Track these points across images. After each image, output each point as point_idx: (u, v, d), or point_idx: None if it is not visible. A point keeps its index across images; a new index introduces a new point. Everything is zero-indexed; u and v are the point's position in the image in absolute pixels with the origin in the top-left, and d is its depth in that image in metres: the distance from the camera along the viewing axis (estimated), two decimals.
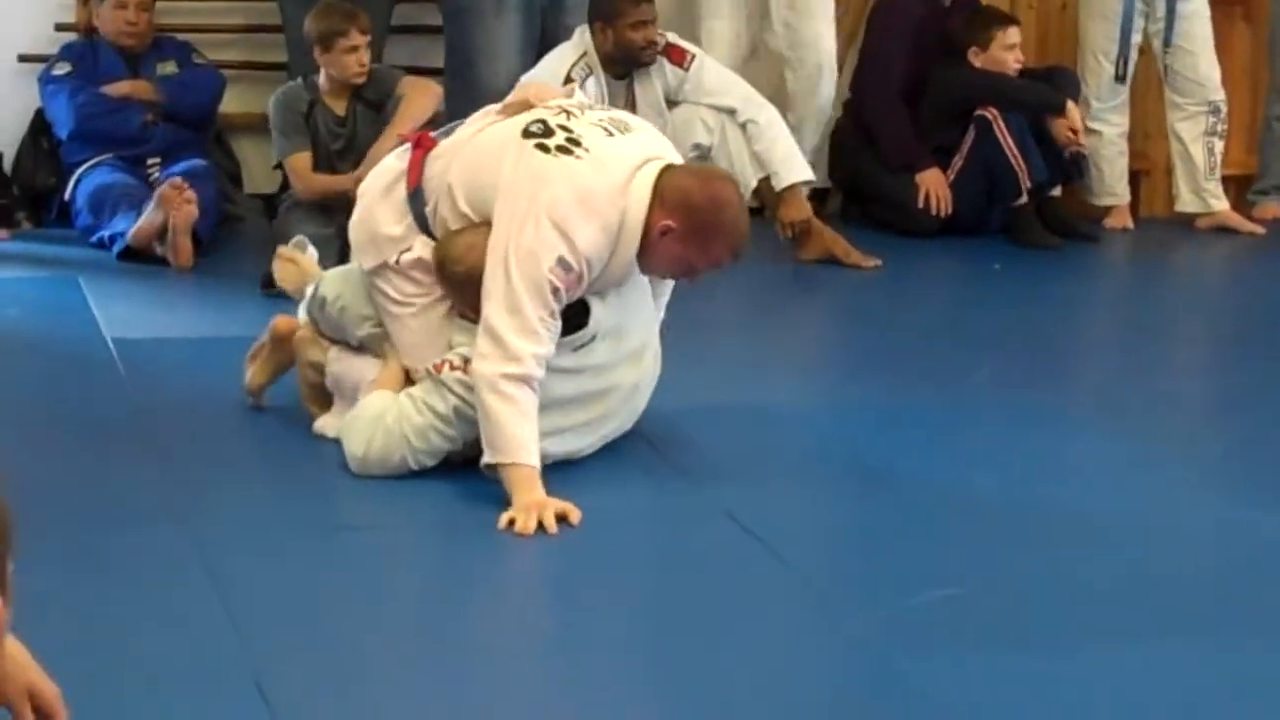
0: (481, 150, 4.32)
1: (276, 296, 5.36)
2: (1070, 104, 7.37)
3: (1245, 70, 8.17)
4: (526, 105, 4.36)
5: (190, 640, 3.39)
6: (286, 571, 3.79)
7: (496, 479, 4.06)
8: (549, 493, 4.02)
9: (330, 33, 6.37)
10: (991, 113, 7.26)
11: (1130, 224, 7.82)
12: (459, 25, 6.86)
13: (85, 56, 7.01)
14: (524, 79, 6.38)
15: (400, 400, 4.27)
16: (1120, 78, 7.67)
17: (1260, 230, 7.79)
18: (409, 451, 4.23)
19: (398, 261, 4.39)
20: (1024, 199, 7.30)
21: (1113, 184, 7.81)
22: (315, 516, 4.16)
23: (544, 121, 4.27)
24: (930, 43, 7.48)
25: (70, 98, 6.88)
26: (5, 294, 6.04)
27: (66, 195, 6.88)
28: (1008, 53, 7.40)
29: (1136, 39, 7.67)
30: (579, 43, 6.74)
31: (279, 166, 6.66)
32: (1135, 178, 7.97)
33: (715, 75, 6.85)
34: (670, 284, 4.60)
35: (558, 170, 4.16)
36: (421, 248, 4.37)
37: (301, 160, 6.46)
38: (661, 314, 4.62)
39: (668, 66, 6.81)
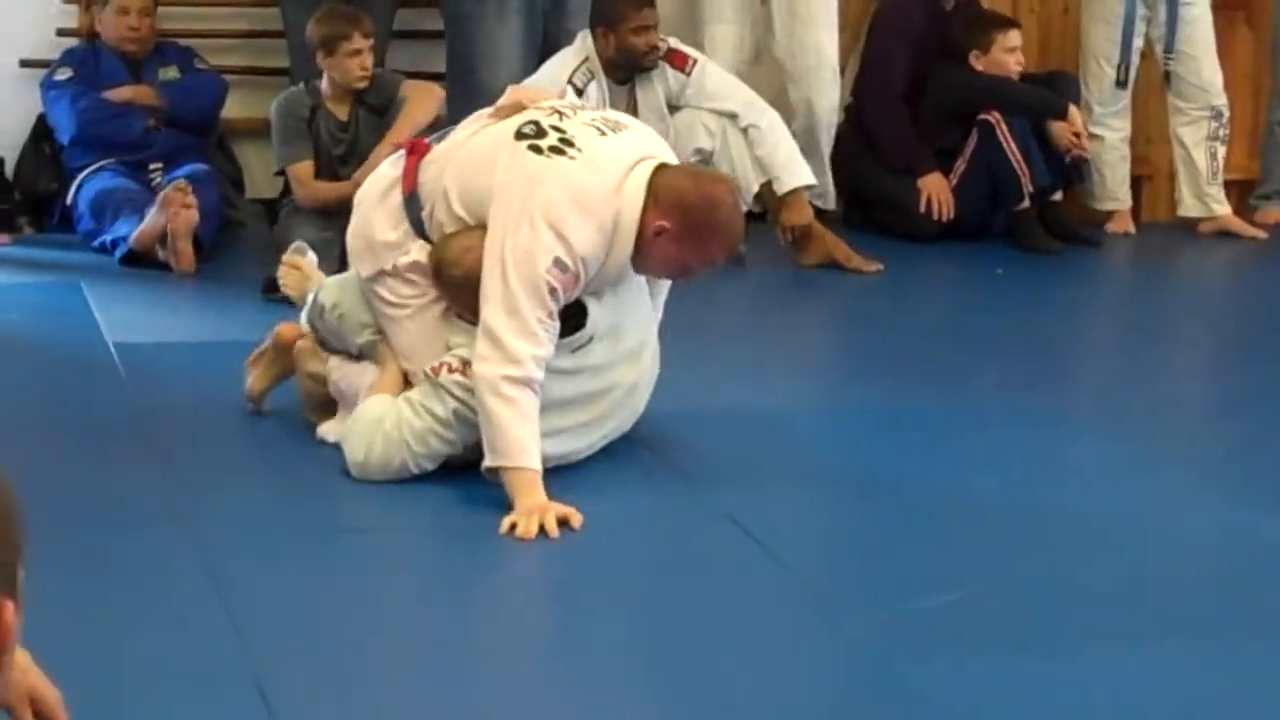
0: (475, 154, 4.32)
1: (277, 301, 5.37)
2: (1072, 108, 7.38)
3: (1247, 75, 8.17)
4: (519, 108, 4.37)
5: (191, 643, 3.39)
6: (287, 574, 3.79)
7: (498, 482, 4.06)
8: (550, 496, 4.02)
9: (333, 36, 6.37)
10: (994, 116, 7.27)
11: (1132, 229, 7.81)
12: (461, 30, 6.86)
13: (87, 62, 7.02)
14: (525, 84, 6.39)
15: (399, 404, 4.27)
16: (1122, 82, 7.67)
17: (1262, 235, 7.79)
18: (409, 455, 4.23)
19: (394, 267, 4.40)
20: (1026, 203, 7.31)
21: (1114, 189, 7.81)
22: (316, 519, 4.16)
23: (537, 123, 4.27)
24: (931, 46, 7.49)
25: (72, 103, 6.88)
26: (7, 299, 6.05)
27: (68, 200, 6.88)
28: (1009, 55, 7.40)
29: (1138, 43, 7.67)
30: (581, 48, 6.75)
31: (281, 172, 6.66)
32: (1137, 182, 7.98)
33: (717, 80, 6.86)
34: (667, 283, 4.60)
35: (551, 171, 4.16)
36: (418, 252, 4.37)
37: (303, 168, 6.47)
38: (659, 314, 4.62)
39: (669, 71, 6.82)
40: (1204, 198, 7.80)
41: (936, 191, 7.36)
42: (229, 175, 7.24)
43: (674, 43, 6.87)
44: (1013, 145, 7.23)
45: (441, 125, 5.54)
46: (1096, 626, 3.57)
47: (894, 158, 7.46)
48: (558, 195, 4.13)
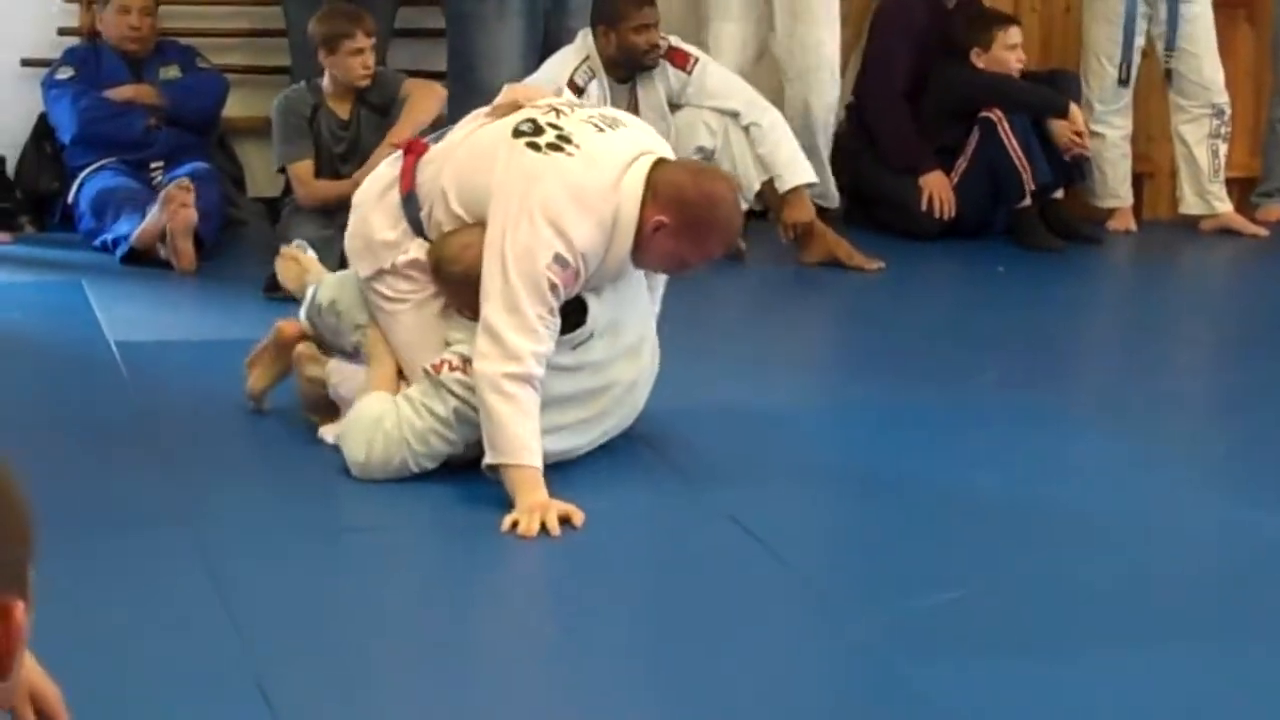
0: (473, 152, 4.32)
1: (279, 300, 5.37)
2: (1073, 106, 7.37)
3: (1248, 72, 8.16)
4: (515, 106, 4.37)
5: (192, 642, 3.39)
6: (289, 574, 3.79)
7: (498, 480, 4.06)
8: (551, 494, 4.02)
9: (335, 35, 6.37)
10: (996, 114, 7.26)
11: (1133, 226, 7.81)
12: (462, 29, 6.86)
13: (88, 61, 7.02)
14: (526, 82, 6.39)
15: (399, 403, 4.27)
16: (1123, 80, 7.67)
17: (1264, 232, 7.79)
18: (409, 454, 4.22)
19: (393, 265, 4.40)
20: (1027, 201, 7.30)
21: (1116, 186, 7.81)
22: (317, 519, 4.17)
23: (534, 120, 4.27)
24: (933, 44, 7.48)
25: (73, 102, 6.88)
26: (9, 298, 6.05)
27: (69, 199, 6.88)
28: (1009, 53, 7.40)
29: (1140, 41, 7.67)
30: (582, 46, 6.75)
31: (282, 171, 6.66)
32: (1139, 180, 7.97)
33: (718, 78, 6.86)
34: (664, 277, 4.60)
35: (550, 168, 4.16)
36: (417, 250, 4.38)
37: (304, 167, 6.47)
38: (657, 307, 4.62)
39: (670, 70, 6.82)
40: (1205, 195, 7.79)
41: (938, 189, 7.36)
42: (230, 174, 7.24)
43: (675, 41, 6.87)
44: (1014, 143, 7.23)
45: (443, 124, 5.54)
46: (1098, 626, 3.57)
47: (895, 156, 7.45)
48: (557, 192, 4.13)
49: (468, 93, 6.36)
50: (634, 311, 4.43)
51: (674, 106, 6.85)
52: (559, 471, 4.17)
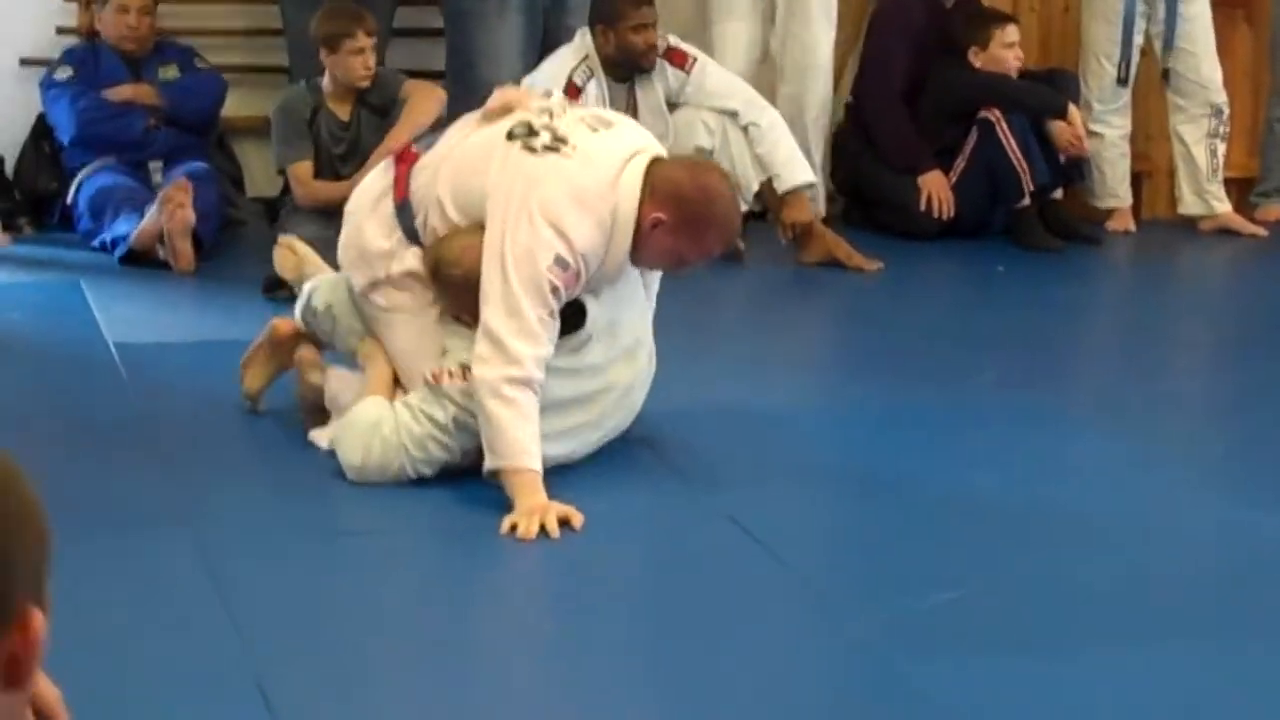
0: (467, 157, 4.31)
1: (279, 300, 5.37)
2: (1072, 107, 7.37)
3: (1247, 72, 8.16)
4: (506, 110, 4.36)
5: (192, 643, 3.39)
6: (288, 575, 3.79)
7: (498, 484, 4.06)
8: (551, 496, 4.02)
9: (337, 34, 6.37)
10: (995, 114, 7.26)
11: (1132, 226, 7.81)
12: (461, 28, 6.86)
13: (87, 60, 7.01)
14: (525, 81, 6.40)
15: (397, 409, 4.25)
16: (1122, 80, 7.67)
17: (1262, 232, 7.79)
18: (407, 461, 4.22)
19: (388, 275, 4.39)
20: (1026, 201, 7.30)
21: (1115, 186, 7.80)
22: (317, 520, 4.16)
23: (527, 123, 4.27)
24: (931, 44, 7.48)
25: (72, 102, 6.88)
26: (7, 298, 6.05)
27: (68, 199, 6.88)
28: (1007, 51, 7.40)
29: (1138, 41, 7.67)
30: (580, 45, 6.75)
31: (281, 171, 6.66)
32: (1137, 180, 7.97)
33: (717, 78, 6.86)
34: (658, 274, 4.59)
35: (547, 169, 4.16)
36: (413, 259, 4.37)
37: (303, 168, 6.46)
38: (652, 303, 4.61)
39: (669, 69, 6.82)
40: (1204, 195, 7.79)
41: (936, 189, 7.36)
42: (229, 174, 7.23)
43: (674, 41, 6.87)
44: (1013, 143, 7.23)
45: (443, 125, 5.54)
46: (1097, 625, 3.57)
47: (894, 156, 7.46)
48: (556, 193, 4.13)
49: (467, 92, 6.36)
50: (631, 311, 4.43)
51: (672, 106, 6.85)
52: (558, 474, 4.17)
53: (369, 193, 4.50)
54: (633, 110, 6.74)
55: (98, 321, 5.71)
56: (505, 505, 3.99)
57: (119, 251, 6.51)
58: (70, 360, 5.38)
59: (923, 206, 7.35)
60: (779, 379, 5.39)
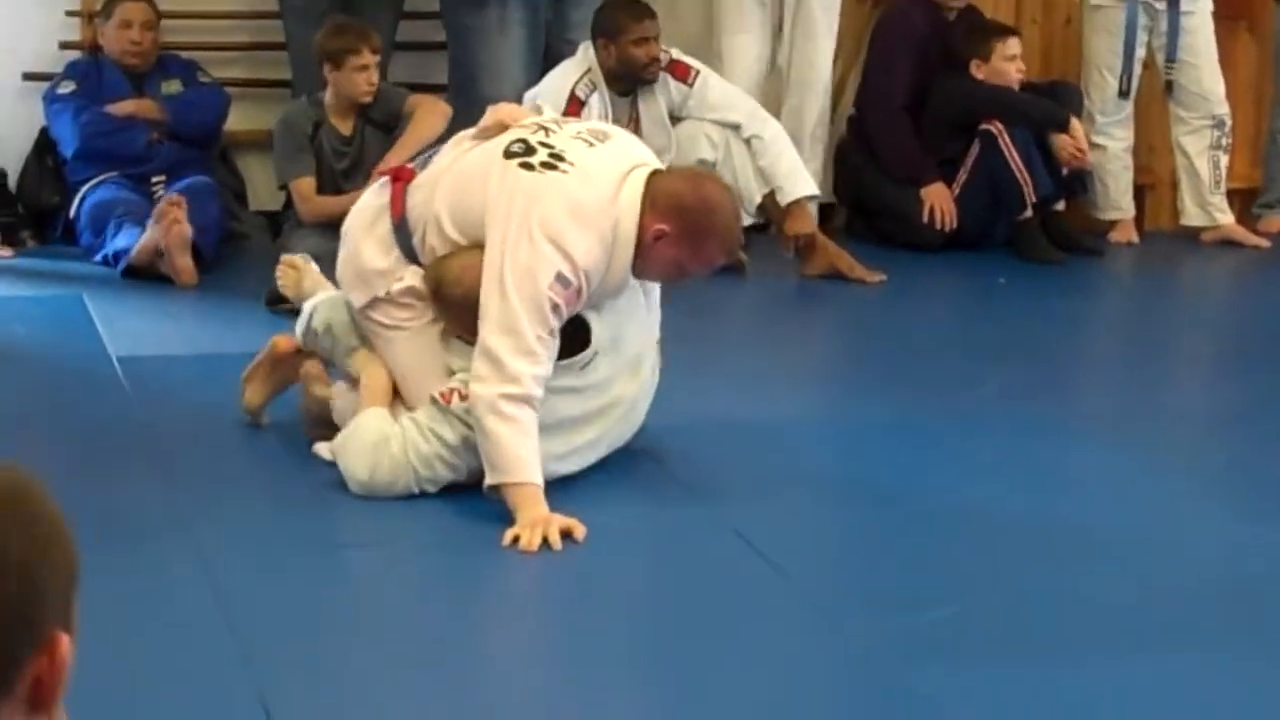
0: (465, 175, 4.31)
1: (282, 314, 5.37)
2: (1074, 121, 7.37)
3: (1250, 84, 8.16)
4: (502, 128, 4.36)
5: (194, 656, 3.39)
6: (290, 587, 3.79)
7: (499, 500, 4.05)
8: (553, 509, 4.01)
9: (342, 50, 6.36)
10: (997, 126, 7.26)
11: (1135, 238, 7.80)
12: (463, 42, 6.87)
13: (90, 75, 7.02)
14: (528, 95, 6.41)
15: (405, 426, 4.24)
16: (1124, 92, 7.66)
17: (1265, 244, 7.78)
18: (414, 479, 4.21)
19: (388, 293, 4.38)
20: (1029, 213, 7.30)
21: (1117, 198, 7.80)
22: (319, 533, 4.16)
23: (524, 141, 4.26)
24: (934, 56, 7.49)
25: (75, 116, 6.88)
26: (11, 312, 6.05)
27: (71, 213, 6.88)
28: (1009, 63, 7.40)
29: (1140, 53, 7.67)
30: (583, 59, 6.75)
31: (284, 186, 6.67)
32: (1140, 192, 7.97)
33: (719, 91, 6.86)
34: (657, 290, 4.58)
35: (546, 186, 4.15)
36: (412, 277, 4.36)
37: (305, 184, 6.46)
38: (656, 314, 4.59)
39: (671, 82, 6.83)
40: (1207, 207, 7.79)
41: (939, 201, 7.36)
42: (232, 188, 7.23)
43: (676, 54, 6.87)
44: (1015, 155, 7.23)
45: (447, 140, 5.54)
46: (1100, 637, 3.57)
47: (896, 167, 7.46)
48: (556, 210, 4.12)
49: (469, 106, 6.36)
50: (633, 325, 4.42)
51: (675, 119, 6.86)
52: (560, 485, 4.17)
53: (364, 212, 4.51)
54: (635, 123, 6.75)
55: (100, 335, 5.71)
56: (507, 518, 3.99)
57: (121, 265, 6.51)
58: (73, 373, 5.38)
59: (925, 218, 7.35)
60: (781, 391, 5.39)
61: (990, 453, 4.79)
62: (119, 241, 6.56)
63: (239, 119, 7.25)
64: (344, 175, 6.46)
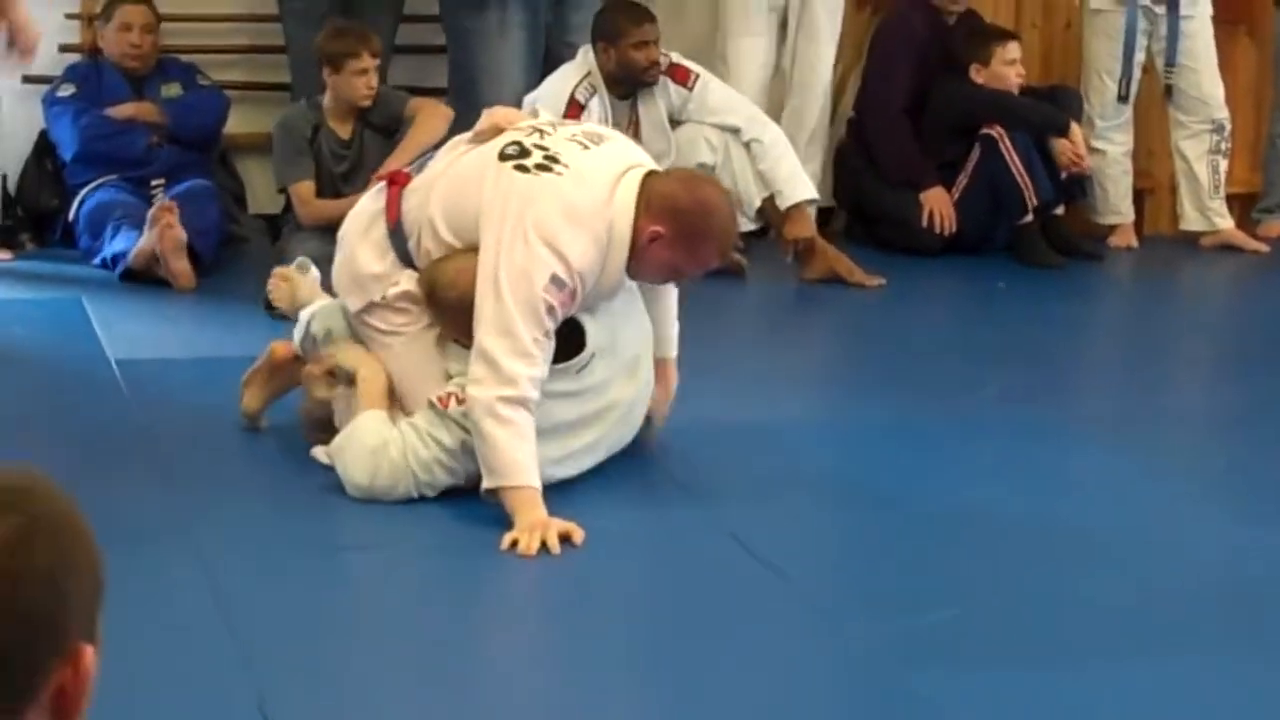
0: (460, 179, 4.31)
1: (280, 317, 5.36)
2: (1074, 126, 7.37)
3: (1249, 88, 8.16)
4: (497, 131, 4.36)
5: (193, 659, 3.39)
6: (289, 590, 3.79)
7: (496, 503, 4.05)
8: (552, 512, 4.01)
9: (342, 54, 6.37)
10: (998, 131, 7.26)
11: (1135, 242, 7.80)
12: (463, 45, 6.87)
13: (90, 78, 7.02)
14: (527, 99, 6.40)
15: (404, 430, 4.23)
16: (1124, 97, 7.66)
17: (1265, 248, 7.78)
18: (413, 484, 4.21)
19: (384, 298, 4.38)
20: (1029, 217, 7.30)
21: (1117, 202, 7.80)
22: (317, 536, 4.16)
23: (519, 143, 4.26)
24: (934, 60, 7.49)
25: (74, 120, 6.88)
26: (10, 314, 6.05)
27: (70, 216, 6.88)
28: (1009, 68, 7.40)
29: (1140, 57, 7.67)
30: (583, 62, 6.75)
31: (283, 190, 6.66)
32: (1139, 196, 7.97)
33: (719, 94, 6.87)
34: (674, 291, 4.57)
35: (541, 188, 4.15)
36: (407, 281, 4.36)
37: (304, 188, 6.46)
38: (673, 310, 4.58)
39: (671, 86, 6.83)
40: (1206, 211, 7.78)
41: (938, 205, 7.36)
42: (231, 191, 7.23)
43: (676, 57, 6.87)
44: (1016, 159, 7.22)
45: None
46: (1100, 640, 3.57)
47: (896, 171, 7.46)
48: (550, 212, 4.12)
49: (469, 109, 6.36)
50: (630, 325, 4.42)
51: (675, 123, 6.86)
52: (559, 489, 4.17)
53: (360, 217, 4.51)
54: (635, 127, 6.75)
55: (99, 338, 5.71)
56: (506, 521, 3.99)
57: (119, 269, 6.50)
58: (72, 376, 5.38)
59: (924, 223, 7.35)
60: (781, 394, 5.39)
61: (990, 455, 4.79)
62: (117, 244, 6.55)
63: (238, 122, 7.25)
64: (343, 179, 6.46)
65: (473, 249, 4.19)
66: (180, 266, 6.37)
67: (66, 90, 6.96)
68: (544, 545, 3.91)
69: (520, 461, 4.03)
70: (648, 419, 4.56)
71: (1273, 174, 8.05)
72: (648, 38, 6.76)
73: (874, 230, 7.54)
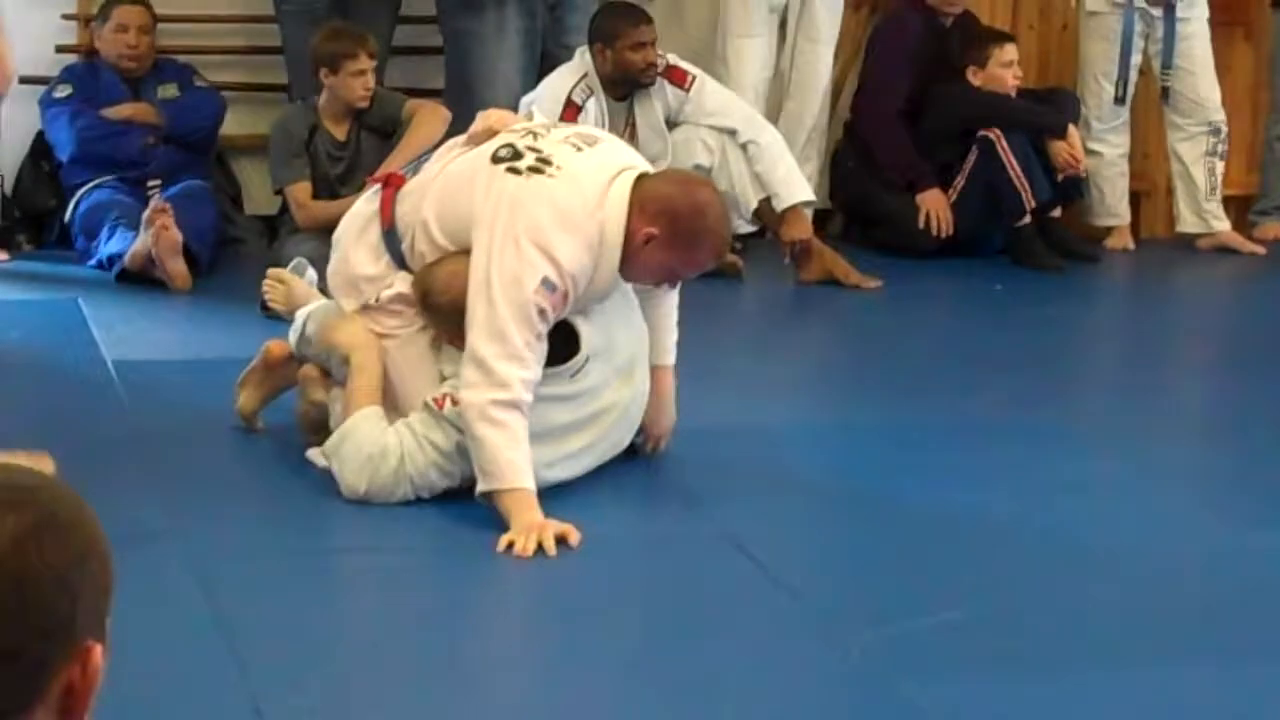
0: (453, 181, 4.31)
1: (277, 318, 5.36)
2: (1071, 128, 7.37)
3: (1246, 90, 8.16)
4: (491, 133, 4.35)
5: (187, 662, 3.39)
6: (284, 593, 3.78)
7: (492, 506, 4.05)
8: (548, 515, 4.00)
9: (339, 55, 6.37)
10: (995, 133, 7.26)
11: (1131, 245, 7.81)
12: (459, 47, 6.87)
13: (86, 79, 7.01)
14: (524, 100, 6.40)
15: (401, 433, 4.21)
16: (1120, 99, 7.67)
17: (1261, 250, 7.79)
18: (410, 487, 4.20)
19: (378, 300, 4.38)
20: (1027, 219, 7.30)
21: (1114, 205, 7.80)
22: (314, 539, 4.16)
23: (512, 145, 4.26)
24: (930, 62, 7.49)
25: (71, 121, 6.88)
26: (6, 316, 6.04)
27: (67, 217, 6.87)
28: (1005, 70, 7.40)
29: (1136, 60, 7.67)
30: (579, 64, 6.75)
31: (280, 191, 6.66)
32: (1136, 198, 7.97)
33: (716, 96, 6.86)
34: (673, 297, 4.57)
35: (533, 191, 4.15)
36: (401, 284, 4.36)
37: (301, 189, 6.46)
38: (674, 315, 4.57)
39: (668, 87, 6.83)
40: (1202, 213, 7.79)
41: (935, 207, 7.36)
42: (227, 192, 7.23)
43: (672, 59, 6.87)
44: (1013, 161, 7.22)
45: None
46: (1099, 646, 3.56)
47: (893, 173, 7.45)
48: (542, 215, 4.12)
49: (466, 111, 6.36)
50: (625, 328, 4.41)
51: (672, 124, 6.85)
52: (555, 491, 4.17)
53: (356, 219, 4.51)
54: (631, 129, 6.75)
55: (96, 339, 5.71)
56: (502, 523, 3.99)
57: (115, 270, 6.50)
58: (68, 378, 5.37)
59: (921, 224, 7.34)
60: (777, 397, 5.39)
61: (987, 459, 4.78)
62: (113, 245, 6.55)
63: (235, 123, 7.25)
64: (339, 180, 6.46)
65: (466, 252, 4.18)
66: (176, 268, 6.36)
67: (63, 91, 6.96)
68: (540, 547, 3.91)
69: (514, 463, 4.03)
70: (643, 442, 4.54)
71: (1269, 176, 8.06)
72: (644, 39, 6.75)
73: (871, 232, 7.55)
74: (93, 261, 6.66)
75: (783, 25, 7.44)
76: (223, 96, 7.15)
